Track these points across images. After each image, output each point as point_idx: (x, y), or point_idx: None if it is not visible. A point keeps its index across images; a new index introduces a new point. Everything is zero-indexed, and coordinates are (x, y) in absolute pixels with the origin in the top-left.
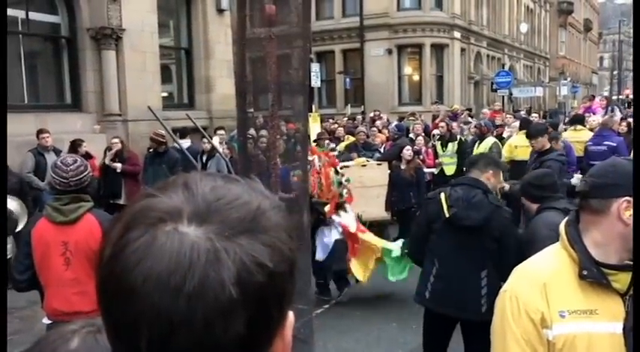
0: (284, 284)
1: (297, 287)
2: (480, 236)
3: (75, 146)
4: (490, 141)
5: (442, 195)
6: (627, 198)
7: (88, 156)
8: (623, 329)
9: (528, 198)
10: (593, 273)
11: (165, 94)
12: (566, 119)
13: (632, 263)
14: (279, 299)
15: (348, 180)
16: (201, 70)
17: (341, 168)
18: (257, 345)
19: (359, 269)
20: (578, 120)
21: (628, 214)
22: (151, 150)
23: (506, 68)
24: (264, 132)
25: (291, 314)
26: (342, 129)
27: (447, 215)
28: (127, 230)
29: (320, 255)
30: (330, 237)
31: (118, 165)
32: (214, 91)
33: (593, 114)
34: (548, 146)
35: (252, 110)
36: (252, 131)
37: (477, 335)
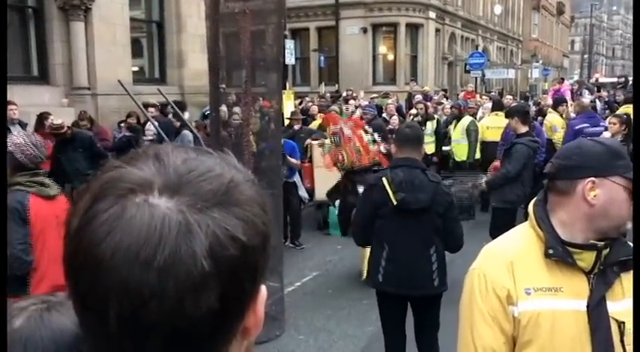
0: (257, 258)
1: (269, 263)
2: (428, 215)
3: (42, 119)
4: (467, 119)
5: (385, 181)
6: (592, 178)
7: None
8: (587, 306)
9: None
10: (558, 252)
11: (136, 68)
12: (534, 101)
13: (597, 242)
14: (253, 273)
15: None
16: (173, 45)
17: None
18: (229, 319)
19: None
20: (556, 102)
21: (593, 195)
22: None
23: (480, 49)
24: (237, 108)
25: (263, 289)
26: (315, 107)
27: (395, 202)
28: (96, 201)
29: None
30: None
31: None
32: (187, 66)
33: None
34: (523, 130)
35: (224, 86)
36: (224, 107)
37: (428, 308)
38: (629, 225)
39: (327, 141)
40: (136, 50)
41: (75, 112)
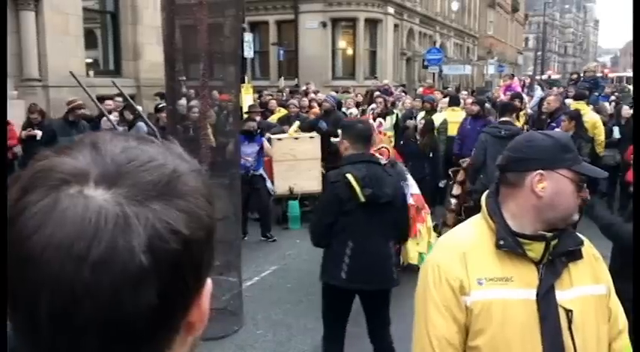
0: (201, 252)
1: (227, 259)
2: (390, 208)
3: None
4: (442, 116)
5: (350, 177)
6: (540, 171)
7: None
8: (537, 295)
9: None
10: (509, 243)
11: (89, 60)
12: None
13: (545, 233)
14: (196, 267)
15: None
16: (128, 36)
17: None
18: (171, 315)
19: (412, 249)
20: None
21: (541, 187)
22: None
23: (437, 45)
24: (195, 102)
25: (209, 283)
26: (274, 101)
27: (363, 197)
28: (26, 192)
29: None
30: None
31: (38, 132)
32: (142, 59)
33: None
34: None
35: (182, 79)
36: (182, 101)
37: (384, 301)
38: (576, 217)
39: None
40: (90, 41)
41: (25, 105)
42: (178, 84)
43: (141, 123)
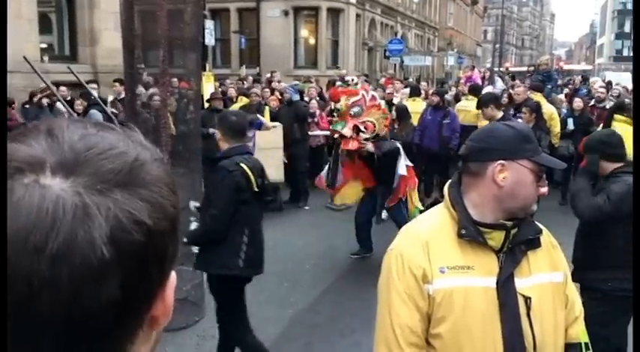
0: (165, 244)
1: (189, 248)
2: (270, 199)
3: None
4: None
5: (245, 166)
6: (501, 161)
7: None
8: (497, 283)
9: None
10: (470, 232)
11: (44, 45)
12: (448, 86)
13: (506, 222)
14: (160, 259)
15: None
16: (84, 21)
17: None
18: (134, 309)
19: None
20: (473, 89)
21: (502, 177)
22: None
23: (399, 36)
24: (155, 89)
25: (173, 275)
26: (232, 89)
27: (257, 187)
28: None
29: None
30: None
31: None
32: (100, 44)
33: (475, 83)
34: (498, 115)
35: (141, 66)
36: (142, 88)
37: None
38: (535, 207)
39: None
40: (44, 26)
41: None
42: (137, 71)
43: (93, 111)
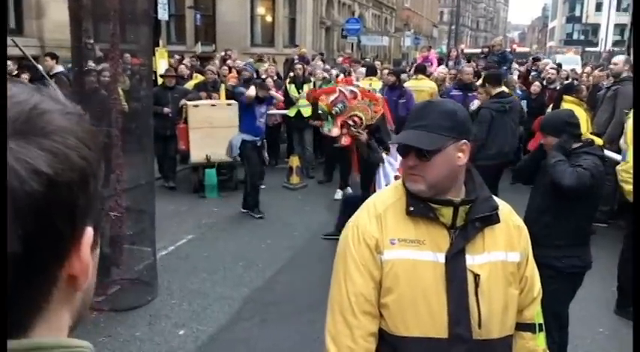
0: (73, 196)
1: (140, 228)
2: None
3: None
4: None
5: None
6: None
7: None
8: (445, 258)
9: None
10: (419, 209)
11: None
12: (403, 67)
13: (453, 198)
14: (69, 212)
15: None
16: None
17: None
18: (42, 265)
19: None
20: (420, 69)
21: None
22: None
23: (356, 16)
24: (105, 65)
25: (89, 232)
26: (183, 66)
27: None
28: None
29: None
30: (388, 176)
31: None
32: (47, 17)
33: (431, 64)
34: (495, 92)
35: (89, 41)
36: (91, 63)
37: None
38: (422, 186)
39: (333, 114)
40: None
41: None
42: (86, 45)
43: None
